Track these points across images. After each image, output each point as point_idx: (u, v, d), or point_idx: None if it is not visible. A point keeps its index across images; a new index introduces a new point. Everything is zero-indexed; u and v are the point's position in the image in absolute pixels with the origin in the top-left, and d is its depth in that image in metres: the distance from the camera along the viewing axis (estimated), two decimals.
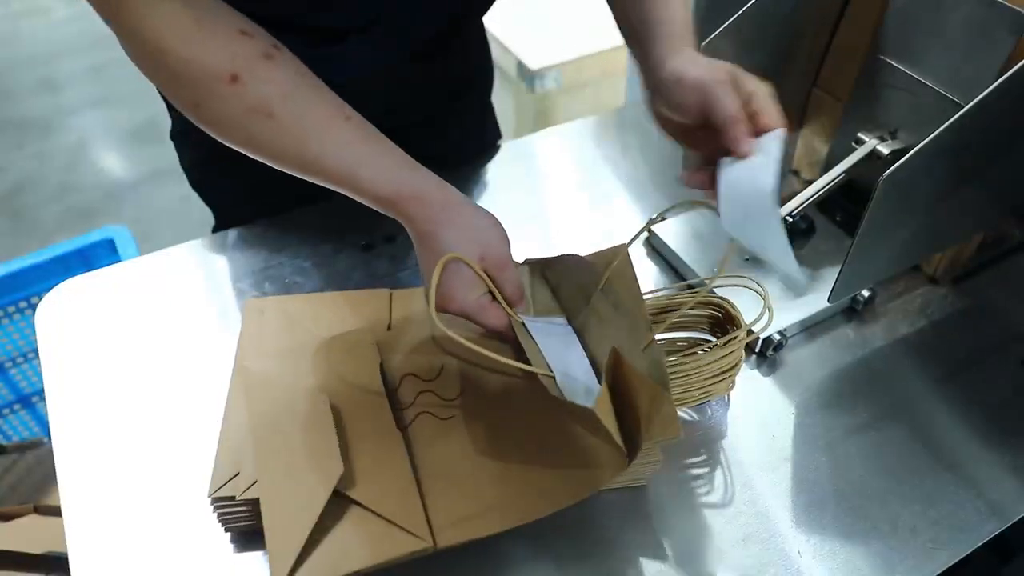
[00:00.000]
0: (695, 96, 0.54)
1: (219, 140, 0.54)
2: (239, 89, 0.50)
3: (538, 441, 0.58)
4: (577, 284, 0.61)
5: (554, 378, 0.54)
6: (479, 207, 0.56)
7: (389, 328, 0.68)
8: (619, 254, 0.60)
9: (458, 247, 0.53)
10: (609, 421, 0.53)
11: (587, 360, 0.57)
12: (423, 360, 0.64)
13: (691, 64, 0.55)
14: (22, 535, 1.02)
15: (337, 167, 0.53)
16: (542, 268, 0.63)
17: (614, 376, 0.52)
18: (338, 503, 0.53)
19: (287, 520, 0.51)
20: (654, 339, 0.55)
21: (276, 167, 0.55)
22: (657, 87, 0.58)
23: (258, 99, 0.50)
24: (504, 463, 0.56)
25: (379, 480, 0.54)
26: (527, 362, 0.54)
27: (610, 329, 0.57)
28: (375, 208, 0.55)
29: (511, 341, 0.57)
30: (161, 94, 0.60)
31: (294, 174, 0.55)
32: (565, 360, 0.56)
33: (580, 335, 0.59)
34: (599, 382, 0.55)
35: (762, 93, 0.54)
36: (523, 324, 0.57)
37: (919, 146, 0.55)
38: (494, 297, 0.56)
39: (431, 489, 0.55)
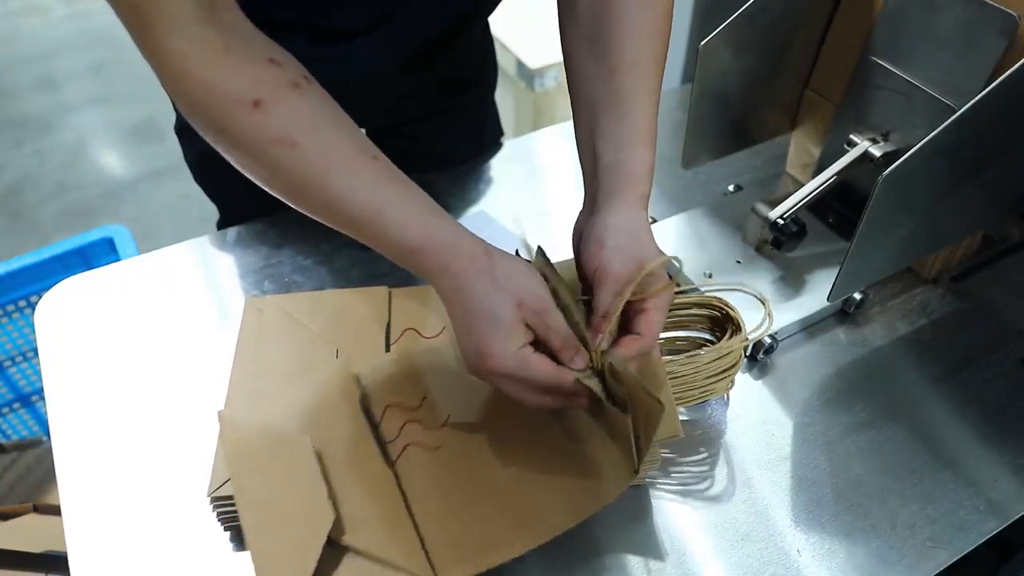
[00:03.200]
0: (593, 266, 0.52)
1: (243, 172, 0.51)
2: (261, 116, 0.47)
3: (533, 460, 0.56)
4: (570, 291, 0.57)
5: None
6: (508, 254, 0.52)
7: (388, 327, 0.68)
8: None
9: (490, 297, 0.48)
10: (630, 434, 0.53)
11: None
12: (406, 386, 0.61)
13: (615, 233, 0.52)
14: (21, 534, 1.02)
15: (362, 207, 0.49)
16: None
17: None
18: (332, 553, 0.51)
19: None
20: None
21: (295, 206, 0.51)
22: (584, 221, 0.56)
23: (282, 128, 0.47)
24: (500, 487, 0.55)
25: (372, 523, 0.53)
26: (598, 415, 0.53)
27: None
28: (394, 258, 0.51)
29: (577, 397, 0.51)
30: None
31: (312, 215, 0.51)
32: None
33: None
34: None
35: (657, 306, 0.51)
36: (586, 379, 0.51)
37: (919, 145, 0.55)
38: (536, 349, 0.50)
39: (427, 524, 0.53)
